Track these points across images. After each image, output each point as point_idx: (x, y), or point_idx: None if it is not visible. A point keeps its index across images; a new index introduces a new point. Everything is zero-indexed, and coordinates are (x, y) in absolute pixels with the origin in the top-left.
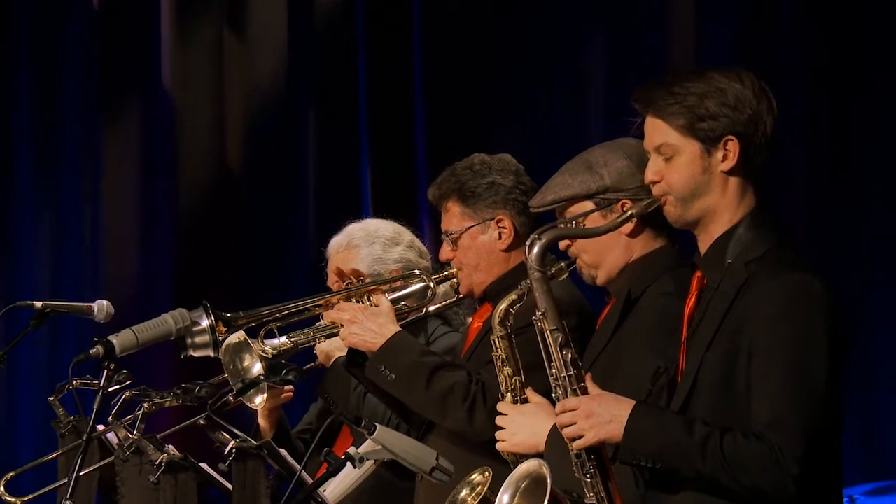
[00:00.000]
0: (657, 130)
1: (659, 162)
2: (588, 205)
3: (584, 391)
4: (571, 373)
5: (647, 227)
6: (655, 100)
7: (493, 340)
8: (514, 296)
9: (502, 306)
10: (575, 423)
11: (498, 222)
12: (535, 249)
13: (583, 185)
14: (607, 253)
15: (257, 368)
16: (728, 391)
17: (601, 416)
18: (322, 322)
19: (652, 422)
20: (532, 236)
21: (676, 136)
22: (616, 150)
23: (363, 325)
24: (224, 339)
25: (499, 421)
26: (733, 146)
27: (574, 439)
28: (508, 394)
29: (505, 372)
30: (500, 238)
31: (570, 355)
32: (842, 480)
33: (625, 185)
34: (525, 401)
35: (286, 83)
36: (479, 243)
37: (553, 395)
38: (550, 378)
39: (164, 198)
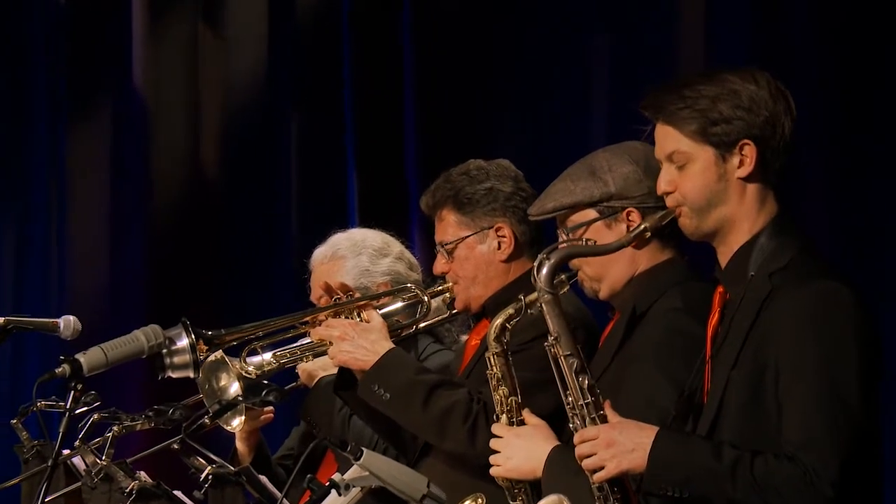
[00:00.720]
0: (668, 137)
1: (672, 171)
2: (591, 213)
3: (604, 419)
4: (589, 400)
5: (655, 239)
6: (665, 105)
7: (488, 358)
8: (510, 310)
9: (498, 321)
10: (595, 454)
11: (497, 231)
12: (545, 270)
13: (585, 192)
14: (611, 265)
15: (235, 389)
16: (756, 411)
17: (623, 444)
18: (309, 339)
19: (677, 448)
20: (540, 256)
21: (689, 143)
22: (621, 155)
23: (354, 342)
24: (205, 359)
25: (493, 444)
26: (750, 151)
27: (595, 471)
28: (504, 415)
29: (500, 392)
30: (499, 248)
31: (586, 382)
32: (881, 503)
33: (631, 193)
34: (521, 422)
35: (266, 83)
36: (476, 254)
37: (570, 425)
38: (567, 407)
39: (135, 205)
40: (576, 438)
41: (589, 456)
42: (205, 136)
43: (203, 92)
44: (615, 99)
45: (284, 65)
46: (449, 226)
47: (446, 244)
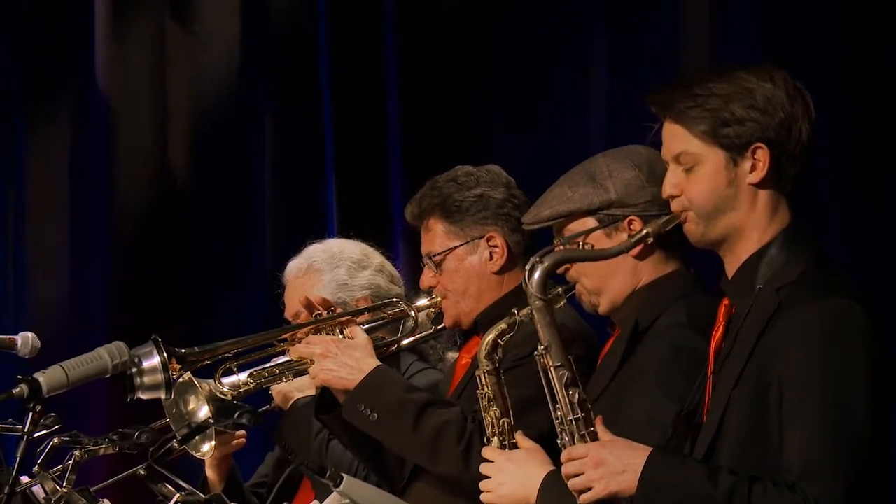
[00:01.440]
0: (676, 137)
1: (678, 173)
2: (590, 221)
3: (594, 437)
4: (579, 416)
5: (658, 249)
6: (673, 102)
7: (479, 376)
8: (503, 325)
9: (489, 337)
10: (583, 474)
11: (488, 240)
12: (536, 275)
13: (584, 199)
14: (611, 277)
15: (205, 412)
16: (758, 433)
17: (613, 465)
18: (288, 358)
19: (670, 472)
20: (532, 259)
21: (698, 144)
22: (622, 160)
23: (338, 360)
24: (178, 379)
25: (484, 469)
26: (762, 155)
27: (582, 492)
28: (495, 438)
29: (492, 412)
30: (491, 259)
31: (577, 396)
32: None
33: (633, 200)
34: (514, 446)
35: (239, 82)
36: (467, 265)
37: (558, 442)
38: (555, 422)
39: (98, 213)
40: (563, 456)
41: (576, 475)
42: (173, 140)
43: (171, 92)
44: (614, 100)
45: (258, 63)
46: (436, 236)
47: (434, 255)
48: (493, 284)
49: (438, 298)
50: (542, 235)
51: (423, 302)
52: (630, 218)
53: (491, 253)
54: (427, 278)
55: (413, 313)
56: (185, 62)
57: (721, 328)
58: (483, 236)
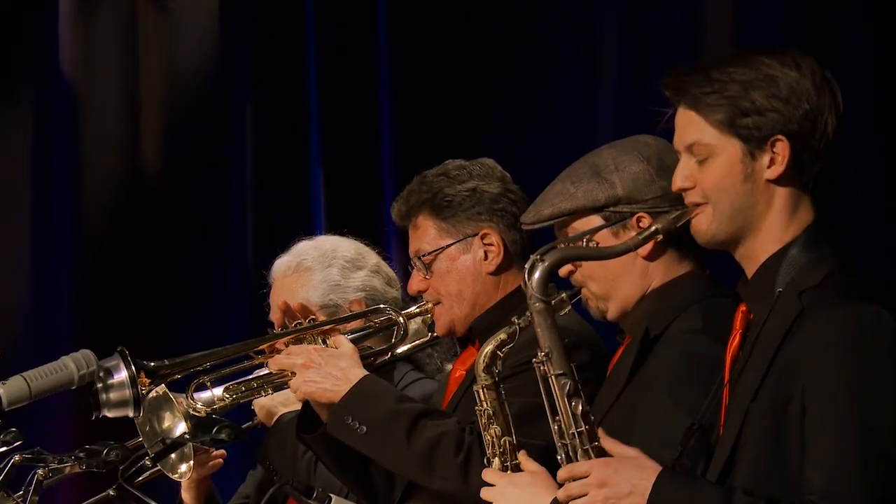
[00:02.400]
0: (690, 125)
1: (690, 164)
2: (595, 220)
3: (599, 452)
4: (582, 429)
5: (670, 248)
6: (689, 87)
7: (477, 391)
8: (502, 335)
9: (488, 349)
10: (585, 495)
11: (483, 238)
12: (536, 274)
13: (589, 196)
14: (620, 281)
15: (181, 429)
16: (777, 450)
17: (618, 485)
18: (267, 370)
19: (681, 493)
20: (532, 258)
21: (713, 134)
22: (629, 152)
23: (322, 371)
24: (148, 394)
25: (485, 494)
26: (782, 148)
27: None
28: (496, 458)
29: (492, 431)
30: (486, 258)
31: (580, 407)
32: None
33: (641, 196)
34: (517, 467)
35: (217, 66)
36: (460, 266)
37: (558, 458)
38: (555, 435)
39: (62, 210)
40: (563, 473)
41: (578, 497)
42: (145, 129)
43: (143, 77)
44: (624, 88)
45: (239, 45)
46: (426, 234)
47: (423, 255)
48: (488, 286)
49: (429, 304)
50: (542, 234)
51: (412, 309)
52: (639, 215)
53: (486, 252)
54: (416, 281)
55: (402, 320)
56: (159, 43)
57: (738, 336)
58: (477, 234)
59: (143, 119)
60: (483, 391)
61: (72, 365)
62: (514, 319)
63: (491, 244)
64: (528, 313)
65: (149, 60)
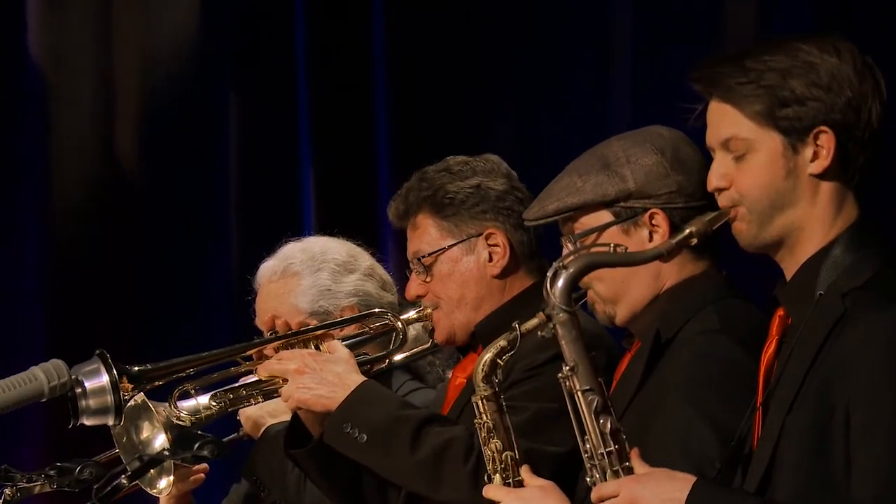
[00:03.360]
0: (725, 119)
1: (727, 162)
2: (604, 216)
3: (629, 472)
4: (612, 448)
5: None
6: (722, 78)
7: (476, 403)
8: (502, 342)
9: (487, 357)
10: None
11: (487, 238)
12: (560, 282)
13: (598, 190)
14: (631, 282)
15: (161, 441)
16: (819, 464)
17: (650, 501)
18: (255, 377)
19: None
20: (555, 265)
21: (751, 127)
22: (642, 143)
23: (317, 376)
24: (130, 401)
25: None
26: (827, 140)
27: None
28: (497, 475)
29: (492, 445)
30: (490, 260)
31: (608, 425)
32: None
33: (654, 190)
34: (519, 484)
35: (198, 54)
36: (462, 269)
37: (588, 479)
38: (584, 456)
39: (30, 208)
40: (593, 495)
41: None
42: (120, 120)
43: (118, 62)
44: (640, 73)
45: (222, 29)
46: (426, 234)
47: (423, 257)
48: (493, 290)
49: (429, 309)
50: (551, 235)
51: (411, 314)
52: (651, 211)
53: (490, 253)
54: (414, 285)
55: (401, 326)
56: (135, 26)
57: (774, 343)
58: (481, 234)
59: (118, 108)
60: (482, 402)
61: (42, 376)
62: (515, 325)
63: (496, 245)
64: (551, 325)
65: (124, 45)
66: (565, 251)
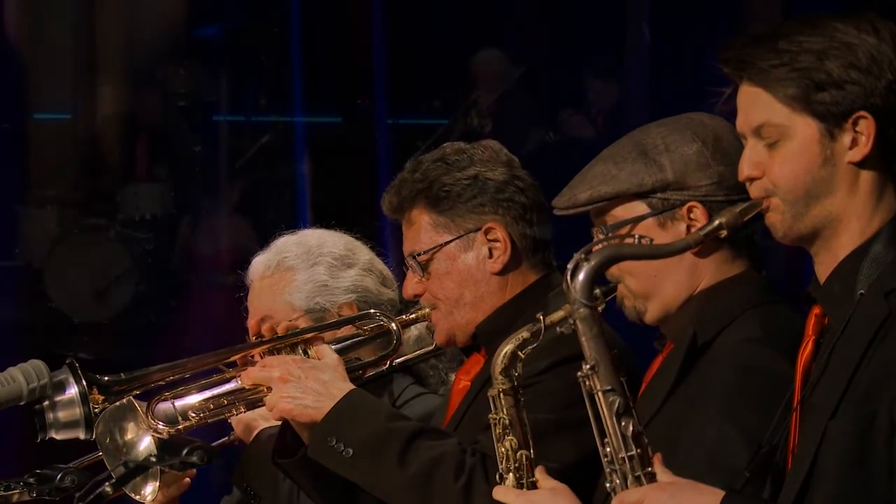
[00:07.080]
0: (757, 104)
1: (759, 150)
2: (639, 207)
3: (652, 478)
4: (633, 452)
5: (725, 245)
6: (754, 60)
7: (493, 398)
8: (525, 333)
9: (508, 348)
10: None
11: (487, 233)
12: (581, 276)
13: (634, 179)
14: (665, 278)
15: (146, 444)
16: (861, 475)
17: None
18: (239, 384)
19: None
20: (576, 256)
21: (785, 113)
22: (682, 130)
23: (301, 385)
24: (101, 413)
25: None
26: (866, 126)
27: None
28: (510, 474)
29: (507, 443)
30: (490, 256)
31: (631, 428)
32: None
33: (694, 181)
34: (533, 485)
35: (186, 31)
36: (460, 266)
37: (607, 485)
38: (604, 460)
39: (9, 202)
40: (615, 502)
41: None
42: (102, 104)
43: (101, 47)
44: (659, 52)
45: (212, 5)
46: (422, 230)
47: (419, 255)
48: (493, 288)
49: (426, 309)
50: (557, 228)
51: (410, 315)
52: (690, 204)
53: (490, 249)
54: (411, 285)
55: (395, 327)
56: (118, 9)
57: (810, 344)
58: (480, 228)
59: (99, 93)
60: (500, 397)
61: (20, 377)
62: (540, 316)
63: (496, 240)
64: (570, 319)
65: (107, 29)
66: (595, 240)
